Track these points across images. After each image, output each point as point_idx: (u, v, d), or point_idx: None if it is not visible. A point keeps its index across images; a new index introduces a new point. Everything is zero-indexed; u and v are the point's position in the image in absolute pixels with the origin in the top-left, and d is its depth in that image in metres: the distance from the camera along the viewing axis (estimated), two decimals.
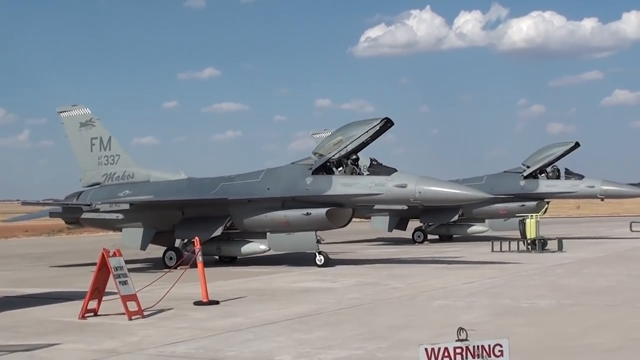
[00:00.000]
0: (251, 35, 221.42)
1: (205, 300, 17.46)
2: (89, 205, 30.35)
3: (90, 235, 59.28)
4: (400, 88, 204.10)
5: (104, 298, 16.21)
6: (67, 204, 31.63)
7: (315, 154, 28.11)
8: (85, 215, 30.70)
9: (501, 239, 33.88)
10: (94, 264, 16.37)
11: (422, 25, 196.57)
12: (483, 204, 37.41)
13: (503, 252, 31.93)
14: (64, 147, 34.77)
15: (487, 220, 41.69)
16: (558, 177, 41.16)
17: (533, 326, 13.57)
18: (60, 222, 34.97)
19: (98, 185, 33.35)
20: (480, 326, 13.28)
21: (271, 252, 29.23)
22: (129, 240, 29.61)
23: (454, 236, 42.96)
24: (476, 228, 41.97)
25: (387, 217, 41.45)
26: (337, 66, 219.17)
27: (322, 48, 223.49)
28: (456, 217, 40.57)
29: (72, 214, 31.33)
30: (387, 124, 27.29)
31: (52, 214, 32.35)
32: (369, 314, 15.73)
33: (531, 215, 33.75)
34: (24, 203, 30.73)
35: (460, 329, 7.69)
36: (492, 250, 32.36)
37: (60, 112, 34.72)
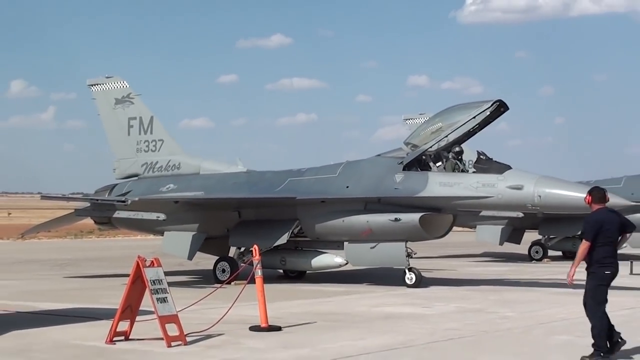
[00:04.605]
0: None
1: (264, 325, 17.44)
2: (123, 201, 30.62)
3: (125, 238, 60.13)
4: (516, 64, 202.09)
5: (137, 318, 16.30)
6: (97, 200, 31.97)
7: (407, 144, 27.99)
8: (118, 214, 31.03)
9: None
10: (127, 275, 16.48)
11: None
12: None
13: None
14: (95, 129, 35.25)
15: None
16: None
17: None
18: (89, 222, 35.48)
19: (136, 177, 33.76)
20: None
21: (349, 267, 29.17)
22: (172, 247, 29.84)
23: None
24: None
25: (497, 227, 41.11)
26: (437, 34, 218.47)
27: (419, 11, 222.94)
28: None
29: (103, 212, 31.67)
30: (499, 108, 26.97)
31: (79, 212, 32.77)
32: (470, 350, 15.51)
33: None
34: (44, 197, 31.11)
35: None
36: (631, 273, 31.72)
37: (91, 86, 35.23)
